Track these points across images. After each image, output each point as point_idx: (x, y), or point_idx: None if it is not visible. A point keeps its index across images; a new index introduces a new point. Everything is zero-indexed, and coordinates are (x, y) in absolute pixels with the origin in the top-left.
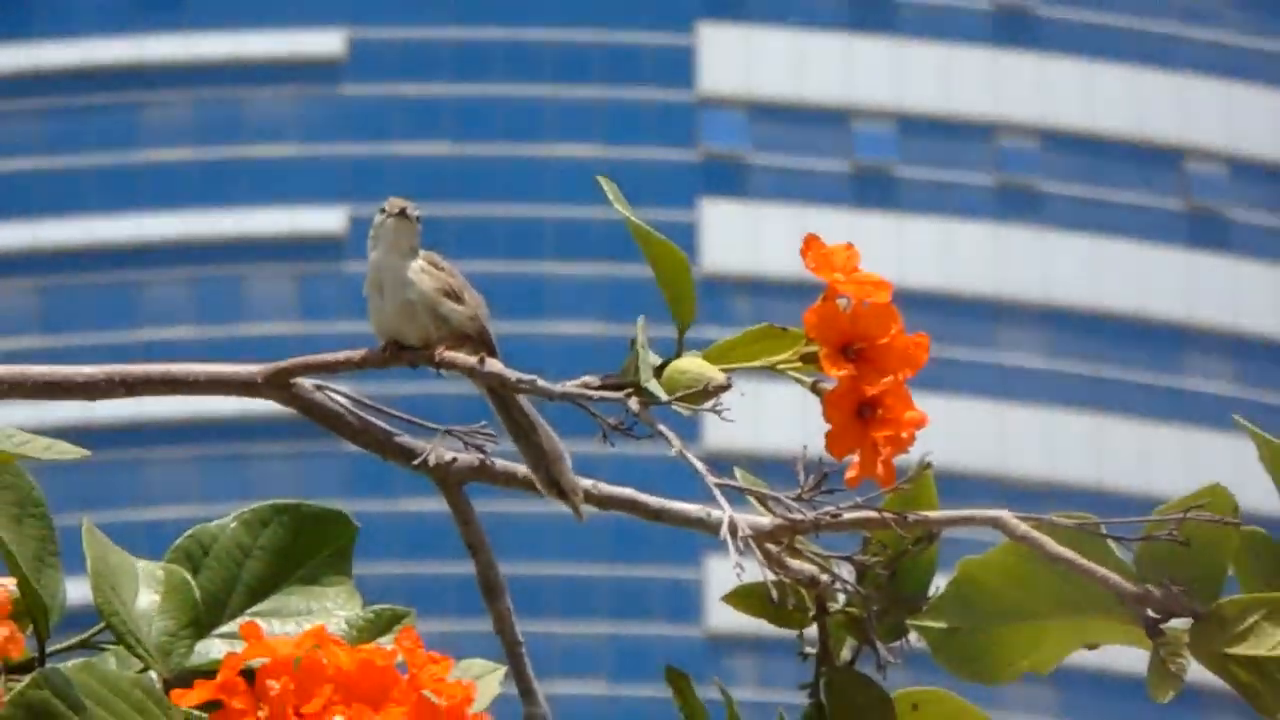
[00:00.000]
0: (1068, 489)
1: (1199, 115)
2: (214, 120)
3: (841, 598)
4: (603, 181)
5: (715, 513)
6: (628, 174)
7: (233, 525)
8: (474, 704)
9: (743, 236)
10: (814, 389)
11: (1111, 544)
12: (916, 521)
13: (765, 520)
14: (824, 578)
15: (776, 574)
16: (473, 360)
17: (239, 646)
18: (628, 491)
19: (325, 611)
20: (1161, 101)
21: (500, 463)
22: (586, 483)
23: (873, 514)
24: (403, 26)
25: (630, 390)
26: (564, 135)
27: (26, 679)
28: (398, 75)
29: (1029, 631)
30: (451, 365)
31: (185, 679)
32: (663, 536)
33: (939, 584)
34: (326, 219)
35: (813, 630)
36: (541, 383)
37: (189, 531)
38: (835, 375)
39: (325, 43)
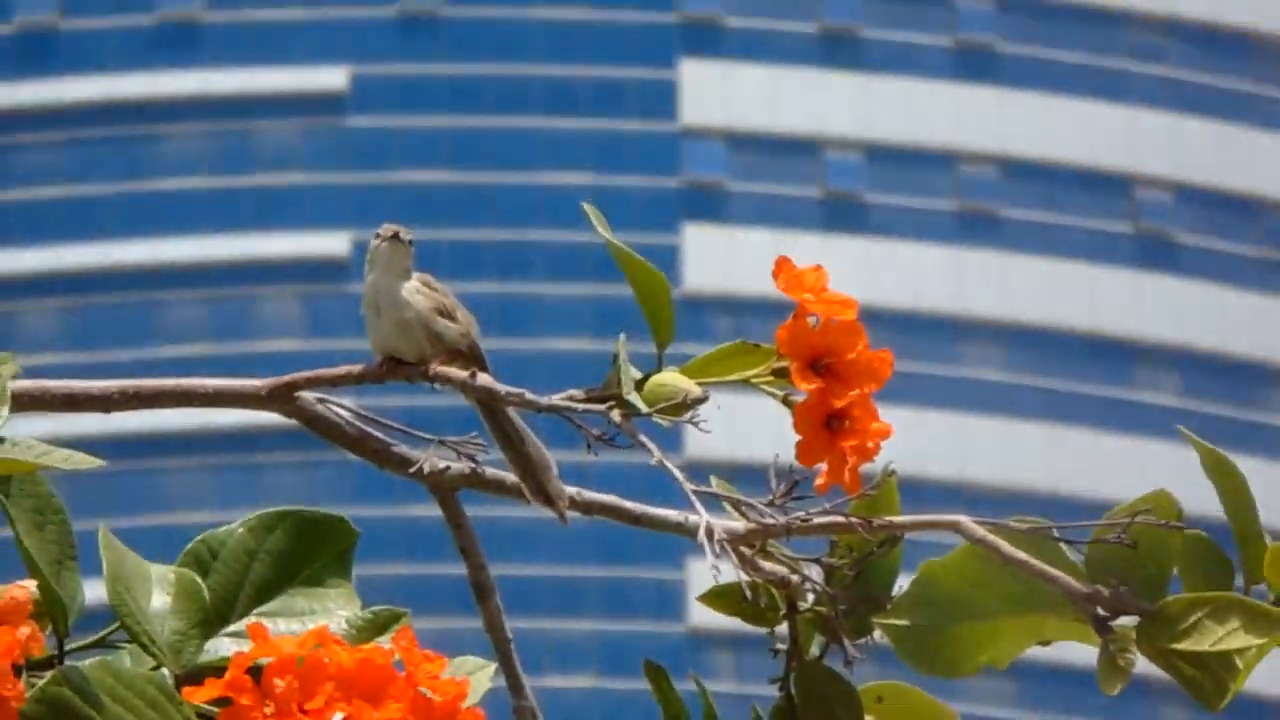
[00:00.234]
0: (1024, 495)
1: (1147, 145)
2: (226, 150)
3: (811, 597)
4: (588, 208)
5: (692, 518)
6: (614, 200)
7: (240, 530)
8: (466, 699)
9: (721, 258)
10: (785, 402)
11: (1064, 546)
12: (881, 526)
13: (739, 525)
14: (794, 578)
15: (750, 575)
16: (464, 375)
17: (246, 645)
18: (610, 498)
19: (327, 612)
20: (1112, 133)
21: (491, 471)
22: (572, 490)
23: (840, 519)
24: (402, 63)
25: (613, 403)
26: (553, 164)
27: (47, 676)
28: (397, 108)
29: (986, 629)
30: (444, 379)
31: (196, 676)
32: (646, 539)
33: (902, 584)
34: (331, 243)
35: (784, 628)
36: (529, 395)
37: (199, 536)
38: (805, 389)
39: (330, 78)
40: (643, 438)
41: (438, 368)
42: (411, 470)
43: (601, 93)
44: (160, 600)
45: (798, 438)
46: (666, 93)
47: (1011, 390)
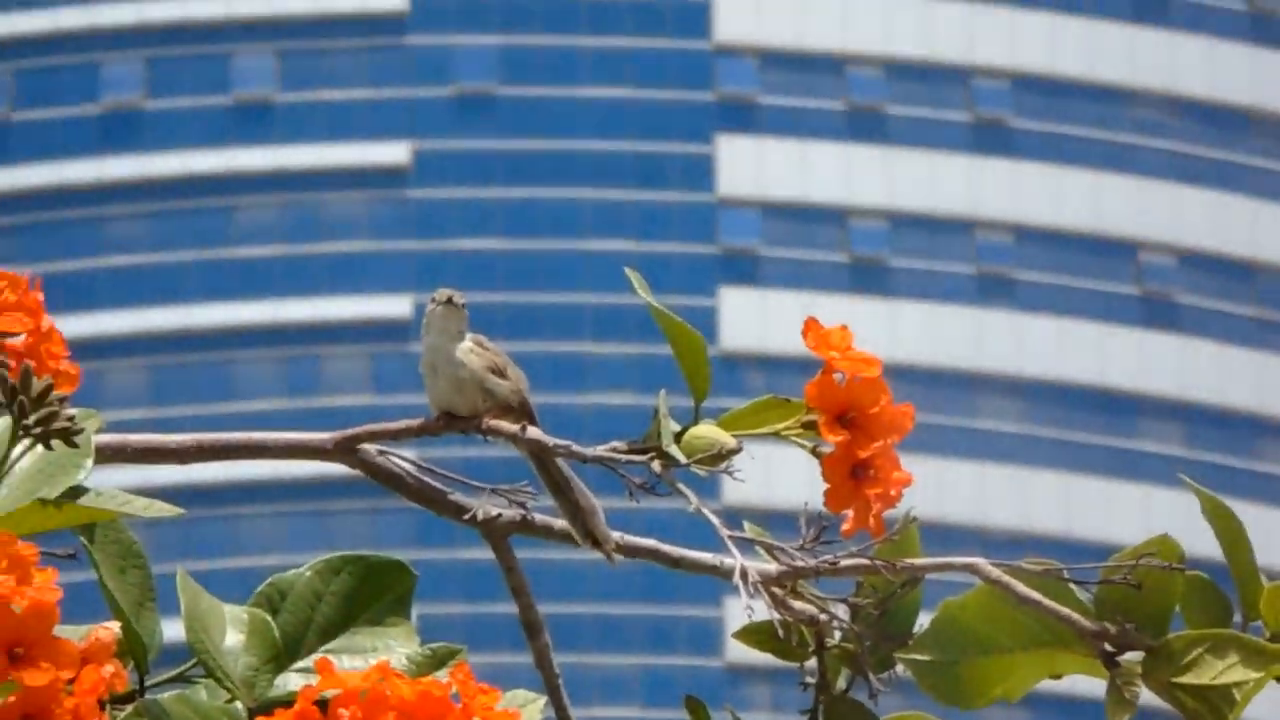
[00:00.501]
0: (1037, 538)
1: (1150, 213)
2: (297, 220)
3: (838, 634)
4: (631, 273)
5: (728, 561)
6: (655, 265)
7: (308, 574)
8: None
9: (755, 319)
10: (814, 452)
11: (1074, 587)
12: (903, 568)
13: (772, 567)
14: (823, 617)
15: (782, 614)
16: (515, 428)
17: (313, 680)
18: (651, 542)
19: (388, 649)
20: (1118, 201)
21: (540, 517)
22: (616, 534)
23: (865, 561)
24: (459, 139)
25: (654, 454)
26: (599, 232)
27: (129, 709)
28: (455, 181)
29: (1002, 663)
30: (497, 433)
31: (267, 708)
32: (686, 579)
33: (923, 622)
34: (394, 306)
35: (814, 663)
36: (576, 447)
37: (270, 579)
38: (832, 440)
39: (393, 153)
40: (681, 486)
41: (490, 422)
42: (466, 517)
43: (644, 166)
44: (234, 638)
45: (826, 486)
46: (704, 166)
47: (1025, 441)
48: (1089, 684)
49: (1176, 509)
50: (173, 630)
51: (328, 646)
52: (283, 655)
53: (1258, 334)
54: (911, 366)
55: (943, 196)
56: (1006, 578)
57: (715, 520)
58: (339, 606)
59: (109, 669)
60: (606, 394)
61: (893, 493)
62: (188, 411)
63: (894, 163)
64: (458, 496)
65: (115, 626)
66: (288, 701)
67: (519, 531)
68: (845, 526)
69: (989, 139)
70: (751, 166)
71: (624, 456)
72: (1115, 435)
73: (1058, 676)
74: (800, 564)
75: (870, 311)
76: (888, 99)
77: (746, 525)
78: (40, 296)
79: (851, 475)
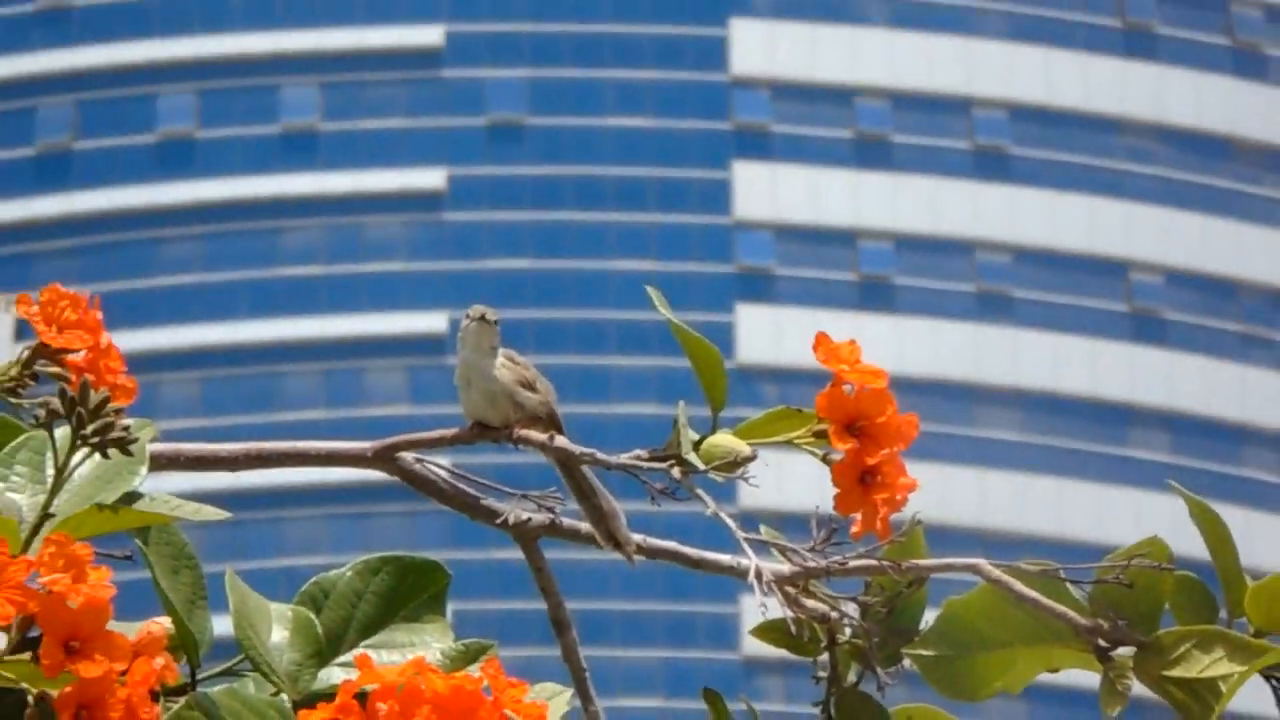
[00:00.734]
0: (1034, 539)
1: (1140, 235)
2: (339, 242)
3: (848, 631)
4: (652, 291)
5: (744, 561)
6: (675, 284)
7: (348, 574)
8: None
9: (769, 334)
10: (824, 460)
11: (1069, 586)
12: (909, 568)
13: (785, 567)
14: (834, 614)
15: (795, 612)
16: (544, 437)
17: (354, 674)
18: (672, 544)
19: (424, 645)
20: (1110, 224)
21: (567, 521)
22: (638, 537)
23: (873, 562)
24: (492, 165)
25: (674, 461)
26: (623, 253)
27: (181, 701)
28: (488, 205)
29: (1002, 658)
30: (526, 442)
31: (310, 701)
32: (704, 578)
33: (928, 619)
34: (431, 322)
35: (825, 658)
36: (601, 455)
37: (313, 579)
38: (842, 448)
39: (429, 179)
40: (700, 491)
41: (520, 431)
42: (498, 521)
43: (664, 190)
44: (279, 635)
45: (836, 491)
46: (721, 190)
47: (1023, 448)
48: (1084, 677)
49: (1166, 512)
50: (222, 626)
51: (367, 642)
52: (325, 651)
53: (1241, 348)
54: (916, 379)
55: (945, 219)
56: (1006, 577)
57: (732, 523)
58: (378, 605)
59: (160, 662)
60: (629, 405)
61: (899, 497)
62: (237, 421)
63: (899, 188)
64: (490, 501)
65: (166, 622)
66: (330, 695)
67: (548, 534)
68: (854, 529)
69: (988, 165)
70: (765, 191)
71: (646, 464)
72: (1107, 443)
73: (1055, 670)
74: (812, 564)
75: (877, 327)
76: (893, 128)
77: (762, 528)
78: (99, 315)
79: (860, 481)
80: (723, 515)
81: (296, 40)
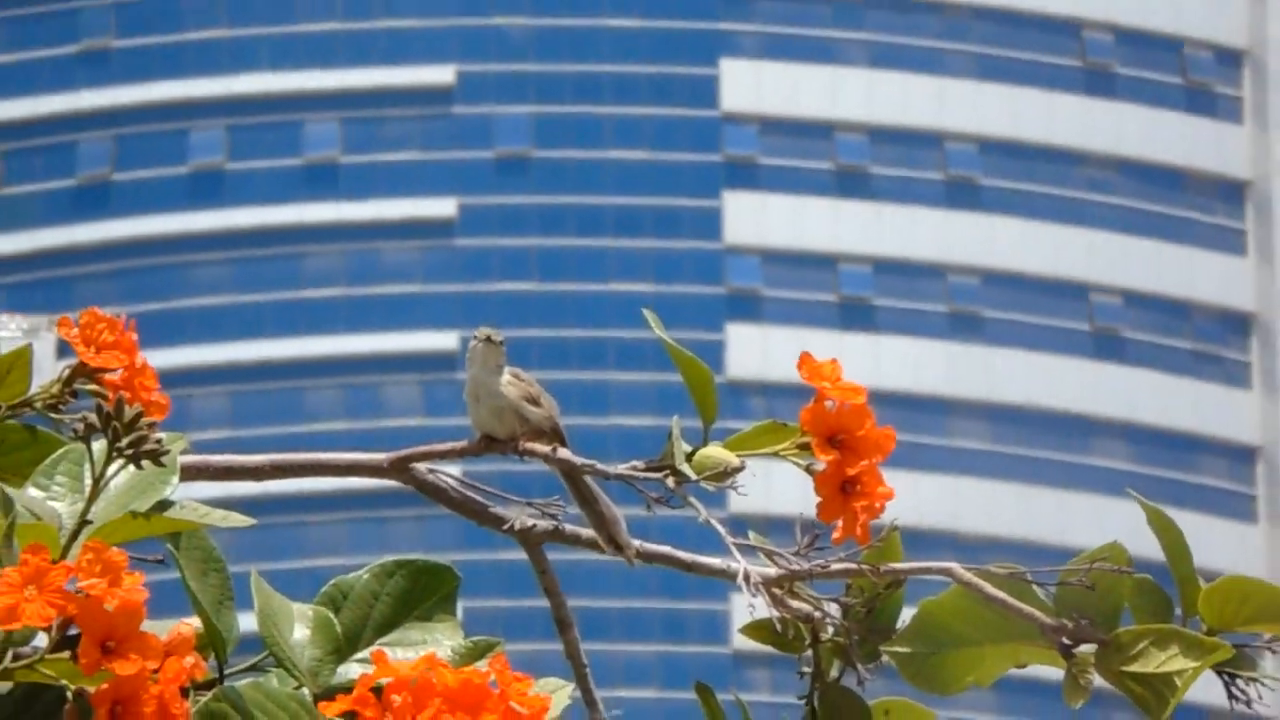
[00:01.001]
0: (1003, 543)
1: (1100, 259)
2: (358, 266)
3: (830, 629)
4: (648, 313)
5: (734, 564)
6: (670, 305)
7: (366, 576)
8: (549, 713)
9: (757, 352)
10: (808, 470)
11: (1036, 587)
12: (887, 571)
13: (771, 570)
14: (817, 614)
15: (780, 612)
16: (547, 449)
17: (370, 669)
18: (667, 548)
19: (436, 642)
20: (1072, 249)
21: (570, 527)
22: (636, 541)
23: (853, 565)
24: (499, 195)
25: (668, 472)
26: (621, 276)
27: (209, 694)
28: (496, 231)
29: (973, 654)
30: (531, 453)
31: (330, 694)
32: (697, 578)
33: (905, 618)
34: (442, 340)
35: (809, 654)
36: (601, 465)
37: (332, 581)
38: (824, 459)
39: (441, 208)
40: (692, 499)
41: (526, 444)
42: (505, 527)
43: (660, 218)
44: (301, 633)
45: (818, 499)
46: (712, 218)
47: (993, 458)
48: (1048, 670)
49: (1125, 517)
50: (248, 625)
51: (383, 640)
52: (344, 648)
53: (1194, 364)
54: (893, 393)
55: (919, 245)
56: (977, 580)
57: (722, 529)
58: (393, 605)
59: (189, 660)
60: (627, 417)
61: (877, 505)
62: (263, 433)
63: (877, 215)
64: (497, 509)
65: (195, 622)
66: (348, 688)
67: (551, 540)
68: (835, 535)
69: (960, 195)
70: (753, 218)
71: (643, 474)
72: (1071, 452)
73: (1023, 665)
74: (796, 567)
75: (857, 345)
76: (871, 160)
77: (750, 533)
78: (134, 336)
79: (841, 490)
80: (713, 522)
81: (319, 79)
